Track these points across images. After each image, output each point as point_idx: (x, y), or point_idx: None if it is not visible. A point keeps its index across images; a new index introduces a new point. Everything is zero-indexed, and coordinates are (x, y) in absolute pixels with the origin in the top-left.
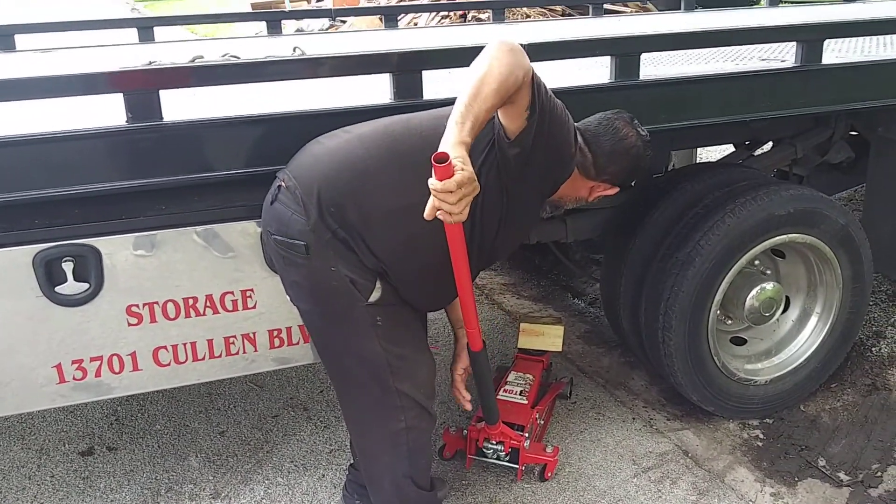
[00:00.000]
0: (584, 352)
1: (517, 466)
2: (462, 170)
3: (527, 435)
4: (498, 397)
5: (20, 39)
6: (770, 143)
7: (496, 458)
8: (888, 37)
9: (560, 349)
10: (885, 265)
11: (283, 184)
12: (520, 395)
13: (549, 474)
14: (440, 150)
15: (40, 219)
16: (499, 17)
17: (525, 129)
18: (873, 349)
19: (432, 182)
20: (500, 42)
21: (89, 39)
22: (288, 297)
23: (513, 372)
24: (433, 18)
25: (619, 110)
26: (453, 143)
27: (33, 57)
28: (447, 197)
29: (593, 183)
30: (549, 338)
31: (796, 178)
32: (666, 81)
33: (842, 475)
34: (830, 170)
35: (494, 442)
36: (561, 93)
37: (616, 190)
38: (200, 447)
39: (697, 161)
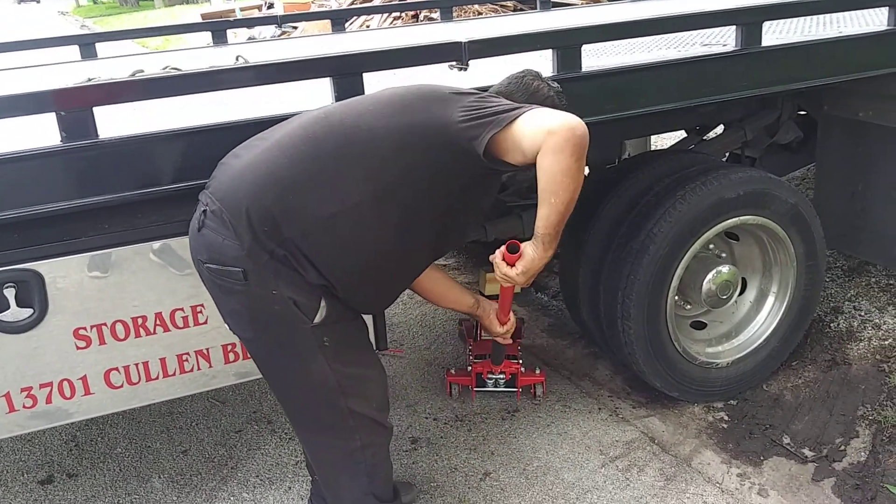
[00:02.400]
0: (549, 345)
1: (516, 389)
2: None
3: (520, 362)
4: (483, 337)
5: None
6: (721, 128)
7: (496, 387)
8: (826, 16)
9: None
10: (839, 242)
11: (207, 208)
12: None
13: (544, 391)
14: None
15: None
16: (447, 17)
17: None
18: (832, 325)
19: (502, 265)
20: (570, 153)
21: (31, 59)
22: (227, 325)
23: None
24: (385, 20)
25: (526, 68)
26: (534, 257)
27: None
28: (516, 279)
29: None
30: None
31: (749, 160)
32: (608, 72)
33: (806, 451)
34: (781, 150)
35: (496, 373)
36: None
37: None
38: (163, 468)
39: (651, 149)
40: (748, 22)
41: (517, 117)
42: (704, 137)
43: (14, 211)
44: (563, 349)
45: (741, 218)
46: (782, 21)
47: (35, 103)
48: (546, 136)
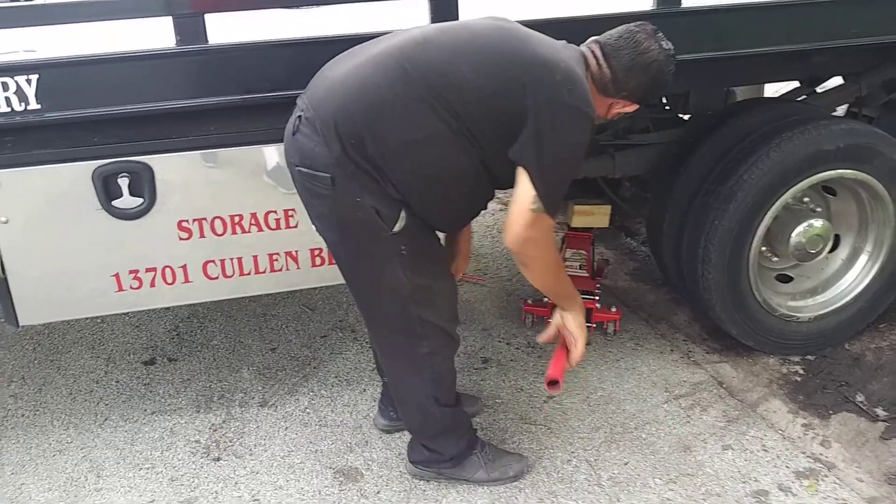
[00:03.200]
0: (631, 288)
1: (591, 325)
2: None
3: (597, 298)
4: None
5: None
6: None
7: None
8: None
9: (608, 225)
10: None
11: (302, 114)
12: (579, 269)
13: (618, 327)
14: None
15: (99, 137)
16: None
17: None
18: None
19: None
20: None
21: None
22: (314, 227)
23: (568, 249)
24: None
25: (642, 22)
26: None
27: None
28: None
29: (612, 100)
30: (598, 216)
31: (865, 118)
32: (708, 9)
33: (879, 410)
34: None
35: None
36: (601, 19)
37: (636, 107)
38: (252, 361)
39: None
40: None
41: (533, 183)
42: (815, 90)
43: (131, 106)
44: (645, 293)
45: (839, 171)
46: None
47: (154, 6)
48: (513, 244)
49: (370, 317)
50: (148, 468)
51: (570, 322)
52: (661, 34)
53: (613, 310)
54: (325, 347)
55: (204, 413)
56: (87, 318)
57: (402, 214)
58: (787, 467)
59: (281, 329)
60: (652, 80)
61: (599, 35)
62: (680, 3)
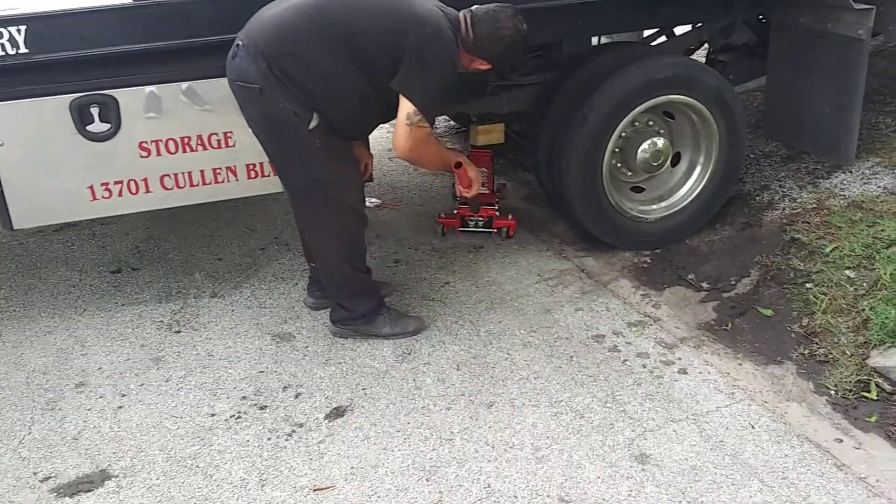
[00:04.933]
0: (523, 209)
1: (492, 230)
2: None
3: (496, 208)
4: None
5: None
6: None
7: (476, 227)
8: None
9: (503, 141)
10: (782, 133)
11: (240, 43)
12: (482, 186)
13: (512, 233)
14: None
15: (75, 75)
16: None
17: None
18: (756, 198)
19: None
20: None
21: None
22: (249, 129)
23: None
24: None
25: (507, 4)
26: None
27: None
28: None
29: (472, 57)
30: (496, 133)
31: (721, 63)
32: None
33: (704, 284)
34: (753, 56)
35: (476, 217)
36: None
37: (489, 66)
38: (203, 267)
39: None
40: None
41: (414, 102)
42: (669, 36)
43: (100, 49)
44: (534, 212)
45: (669, 96)
46: None
47: None
48: (401, 153)
49: (296, 198)
50: (122, 339)
51: (469, 170)
52: (520, 17)
53: (510, 217)
54: (264, 257)
55: (165, 303)
56: (59, 239)
57: (315, 116)
58: (623, 320)
59: (226, 245)
60: (503, 50)
61: (475, 6)
62: None
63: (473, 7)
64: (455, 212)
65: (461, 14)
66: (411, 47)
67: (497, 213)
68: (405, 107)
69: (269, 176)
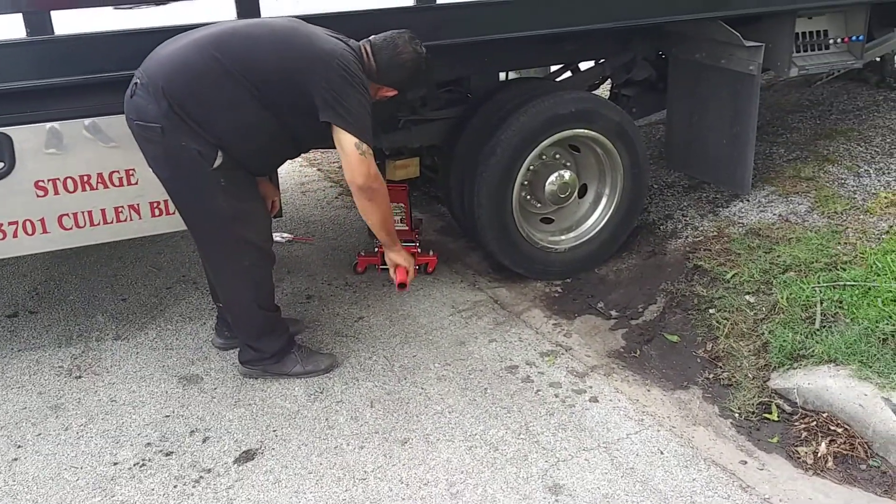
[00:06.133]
0: (437, 240)
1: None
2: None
3: (417, 245)
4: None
5: None
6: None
7: None
8: None
9: (419, 174)
10: (681, 164)
11: (138, 81)
12: (401, 222)
13: (432, 269)
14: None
15: None
16: None
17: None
18: (661, 227)
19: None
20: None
21: None
22: (151, 169)
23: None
24: None
25: (404, 30)
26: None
27: None
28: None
29: (378, 86)
30: (412, 168)
31: (625, 98)
32: (457, 4)
33: (613, 312)
34: (654, 91)
35: None
36: (370, 13)
37: (395, 92)
38: (106, 309)
39: None
40: None
41: (348, 132)
42: (573, 71)
43: None
44: (448, 243)
45: (574, 130)
46: None
47: (5, 4)
48: (361, 181)
49: (201, 239)
50: (18, 387)
51: (397, 258)
52: (417, 40)
53: (430, 253)
54: (171, 296)
55: (65, 347)
56: None
57: (219, 153)
58: (535, 350)
59: (131, 284)
60: (407, 74)
61: (373, 36)
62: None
63: (371, 37)
64: (376, 250)
65: (361, 44)
66: (322, 82)
67: (419, 250)
68: (347, 139)
69: (173, 213)
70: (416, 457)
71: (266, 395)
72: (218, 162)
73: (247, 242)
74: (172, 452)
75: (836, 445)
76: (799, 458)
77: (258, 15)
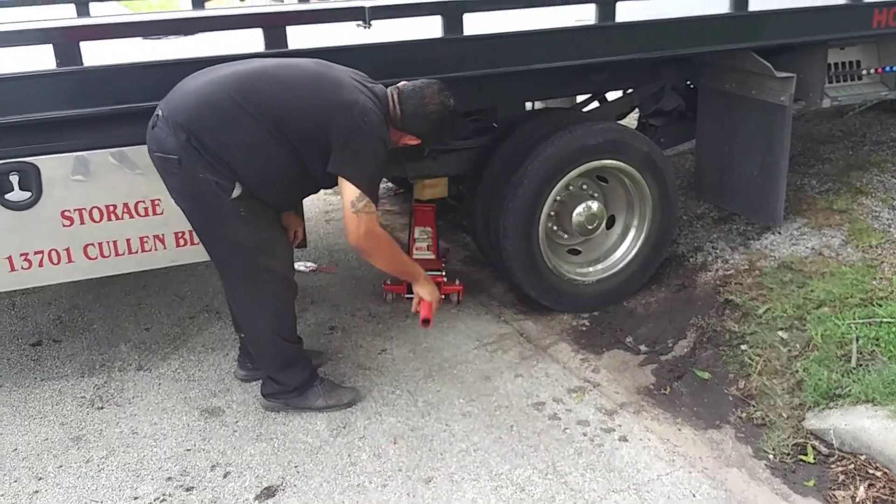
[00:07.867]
0: (462, 270)
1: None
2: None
3: (443, 274)
4: (414, 257)
5: None
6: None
7: None
8: None
9: (447, 194)
10: (712, 196)
11: (160, 113)
12: (427, 250)
13: (461, 298)
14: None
15: None
16: None
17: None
18: (690, 259)
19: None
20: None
21: (31, 15)
22: (172, 199)
23: (416, 228)
24: None
25: (435, 80)
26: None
27: None
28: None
29: (401, 133)
30: (440, 187)
31: (652, 128)
32: (480, 37)
33: (642, 347)
34: (682, 121)
35: None
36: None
37: (418, 141)
38: (129, 338)
39: None
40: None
41: (352, 184)
42: (601, 101)
43: (19, 116)
44: (472, 273)
45: (602, 161)
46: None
47: (36, 37)
48: (355, 241)
49: (223, 269)
50: (41, 418)
51: (422, 291)
52: (447, 92)
53: (457, 282)
54: (194, 326)
55: (88, 377)
56: None
57: (237, 185)
58: (563, 386)
59: (154, 314)
60: (432, 126)
61: (403, 82)
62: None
63: (400, 83)
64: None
65: (389, 90)
66: (339, 133)
67: (445, 279)
68: (348, 194)
69: (198, 244)
70: (440, 496)
71: (288, 430)
72: (236, 193)
73: (269, 272)
74: (193, 487)
75: (875, 490)
76: (837, 502)
77: (286, 47)
